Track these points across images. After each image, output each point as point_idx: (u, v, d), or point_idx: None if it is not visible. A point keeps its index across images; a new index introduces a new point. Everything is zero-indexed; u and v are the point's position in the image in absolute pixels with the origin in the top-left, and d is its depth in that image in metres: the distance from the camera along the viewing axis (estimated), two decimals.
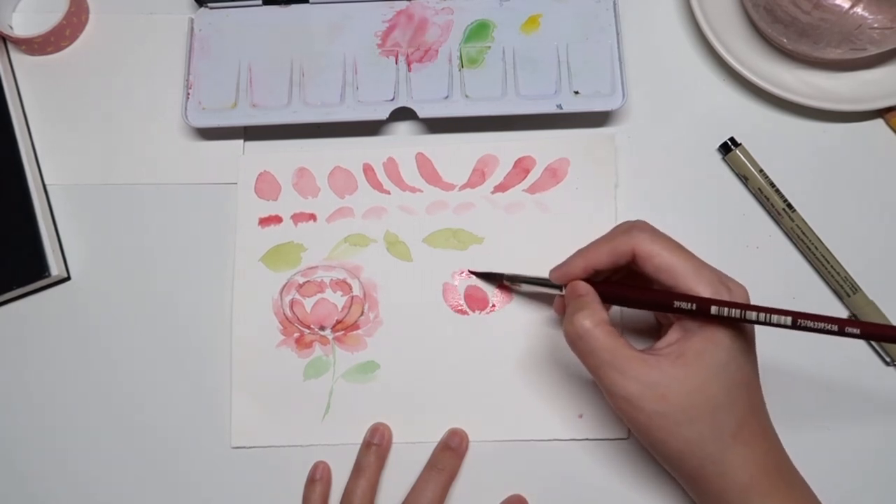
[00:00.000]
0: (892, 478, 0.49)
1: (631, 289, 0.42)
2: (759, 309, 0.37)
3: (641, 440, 0.41)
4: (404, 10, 0.55)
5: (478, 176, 0.53)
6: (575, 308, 0.41)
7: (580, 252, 0.43)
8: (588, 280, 0.43)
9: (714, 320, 0.38)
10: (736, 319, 0.38)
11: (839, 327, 0.36)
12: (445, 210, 0.53)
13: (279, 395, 0.51)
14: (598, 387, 0.48)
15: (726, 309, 0.37)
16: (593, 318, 0.40)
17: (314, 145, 0.55)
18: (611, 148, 0.53)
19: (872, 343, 0.50)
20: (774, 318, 0.37)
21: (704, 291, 0.38)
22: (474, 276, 0.52)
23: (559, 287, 0.45)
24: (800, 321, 0.37)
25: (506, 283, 0.51)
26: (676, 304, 0.39)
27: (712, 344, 0.38)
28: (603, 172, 0.53)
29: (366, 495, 0.48)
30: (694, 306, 0.38)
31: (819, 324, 0.36)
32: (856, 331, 0.36)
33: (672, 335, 0.40)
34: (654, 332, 0.49)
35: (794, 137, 0.54)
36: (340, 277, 0.52)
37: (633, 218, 0.52)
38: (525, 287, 0.49)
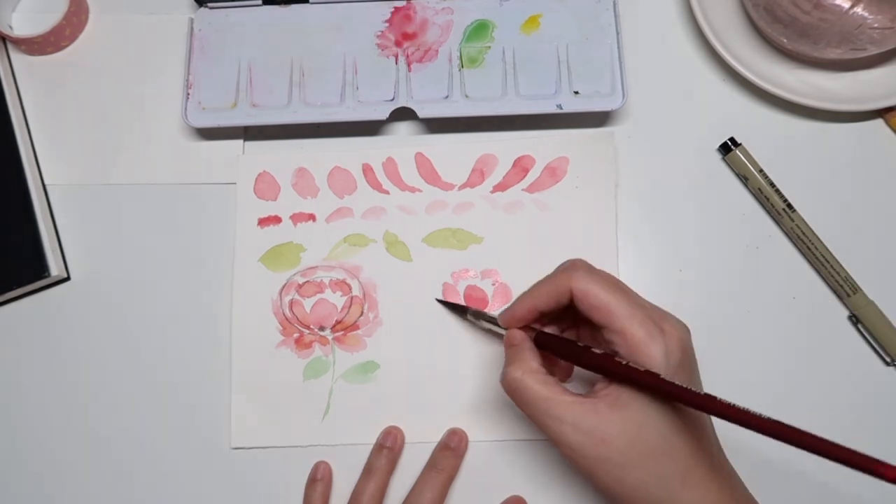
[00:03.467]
0: None
1: (560, 340, 0.41)
2: (669, 385, 0.35)
3: (592, 486, 0.40)
4: (404, 10, 0.55)
5: (477, 175, 0.53)
6: (507, 360, 0.41)
7: (524, 294, 0.42)
8: (537, 325, 0.43)
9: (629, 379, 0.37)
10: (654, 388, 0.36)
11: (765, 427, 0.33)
12: (445, 210, 0.53)
13: (279, 395, 0.51)
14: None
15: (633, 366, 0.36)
16: (523, 367, 0.39)
17: (314, 145, 0.55)
18: (611, 147, 0.53)
19: (872, 343, 0.50)
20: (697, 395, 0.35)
21: (637, 332, 0.37)
22: (441, 303, 0.52)
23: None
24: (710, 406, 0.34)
25: (469, 318, 0.50)
26: (599, 364, 0.38)
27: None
28: (603, 171, 0.53)
29: (374, 498, 0.48)
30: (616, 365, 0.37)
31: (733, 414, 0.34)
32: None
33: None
34: None
35: (794, 137, 0.54)
36: (340, 278, 0.52)
37: (633, 217, 0.53)
38: (486, 325, 0.48)
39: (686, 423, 0.38)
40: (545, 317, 0.43)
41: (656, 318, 0.38)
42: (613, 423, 0.37)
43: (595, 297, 0.39)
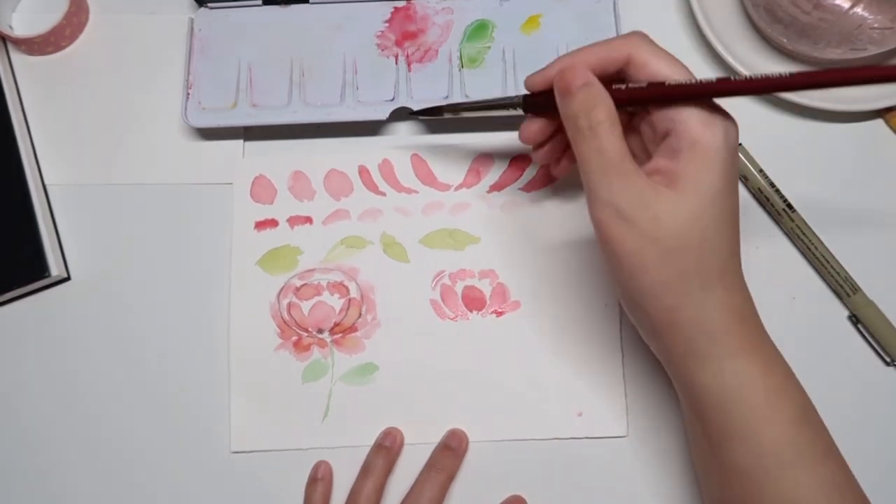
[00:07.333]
0: (892, 478, 0.49)
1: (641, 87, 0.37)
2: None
3: (616, 269, 0.36)
4: (404, 10, 0.55)
5: (473, 175, 0.53)
6: (585, 100, 0.36)
7: (570, 52, 0.38)
8: None
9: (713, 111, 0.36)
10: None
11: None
12: (441, 210, 0.53)
13: (278, 398, 0.51)
14: (597, 383, 0.48)
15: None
16: (609, 113, 0.35)
17: (314, 145, 0.55)
18: None
19: (872, 343, 0.50)
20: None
21: (692, 113, 0.35)
22: (419, 116, 0.50)
23: (517, 105, 0.40)
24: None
25: (447, 114, 0.47)
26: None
27: (707, 168, 0.35)
28: None
29: (371, 497, 0.48)
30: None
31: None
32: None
33: (659, 160, 0.36)
34: None
35: (794, 137, 0.54)
36: (337, 280, 0.52)
37: None
38: (469, 114, 0.44)
39: (733, 213, 0.36)
40: None
41: (713, 103, 0.36)
42: (671, 201, 0.35)
43: (656, 68, 0.36)
